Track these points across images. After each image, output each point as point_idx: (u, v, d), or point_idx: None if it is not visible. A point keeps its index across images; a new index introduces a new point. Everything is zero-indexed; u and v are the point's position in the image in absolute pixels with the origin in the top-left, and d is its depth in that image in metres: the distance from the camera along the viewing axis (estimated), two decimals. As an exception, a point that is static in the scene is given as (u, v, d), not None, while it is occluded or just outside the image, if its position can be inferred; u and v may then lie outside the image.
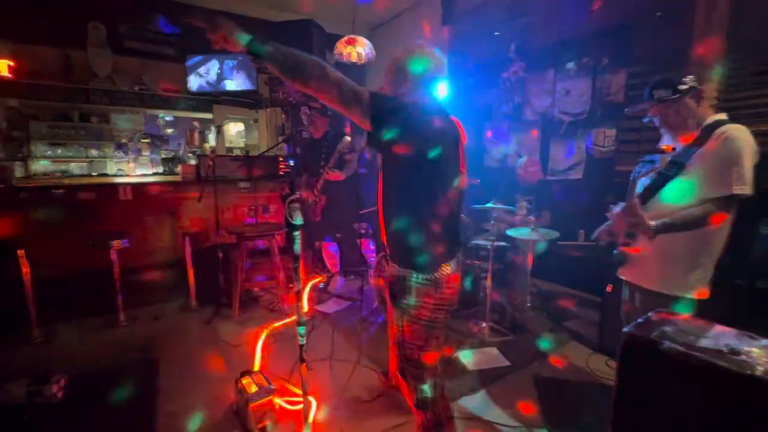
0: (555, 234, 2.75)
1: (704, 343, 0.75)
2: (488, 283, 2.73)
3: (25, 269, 2.58)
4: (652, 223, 1.34)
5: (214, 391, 2.10)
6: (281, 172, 3.94)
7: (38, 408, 1.88)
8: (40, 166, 4.94)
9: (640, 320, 0.85)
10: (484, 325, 2.74)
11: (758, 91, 2.53)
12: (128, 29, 5.13)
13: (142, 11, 5.08)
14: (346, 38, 4.02)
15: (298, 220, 1.05)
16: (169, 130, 6.19)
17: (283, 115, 5.22)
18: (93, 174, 5.25)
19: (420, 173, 1.14)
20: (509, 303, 3.01)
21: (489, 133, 4.47)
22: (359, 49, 3.97)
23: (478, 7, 4.65)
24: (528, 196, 3.20)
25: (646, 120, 1.62)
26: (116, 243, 2.85)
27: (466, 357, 2.45)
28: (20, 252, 2.56)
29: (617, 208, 1.49)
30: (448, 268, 1.22)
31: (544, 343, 2.63)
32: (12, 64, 4.43)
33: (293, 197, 1.05)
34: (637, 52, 3.16)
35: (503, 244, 2.97)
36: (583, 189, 3.63)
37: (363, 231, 3.72)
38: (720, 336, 0.77)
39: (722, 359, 0.69)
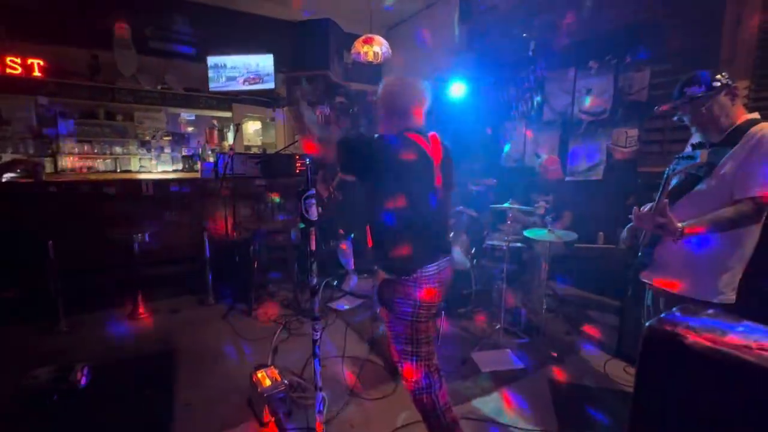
0: (573, 235, 2.70)
1: (731, 338, 0.72)
2: (503, 284, 2.69)
3: (53, 261, 2.68)
4: (680, 224, 1.29)
5: (229, 384, 2.14)
6: (297, 170, 3.98)
7: (63, 394, 1.96)
8: (67, 162, 5.12)
9: (663, 315, 0.82)
10: (498, 326, 2.71)
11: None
12: (152, 30, 5.27)
13: (166, 12, 5.22)
14: (363, 37, 4.03)
15: (314, 216, 1.06)
16: (190, 129, 6.33)
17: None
18: (117, 170, 5.42)
19: (385, 194, 1.31)
20: (524, 305, 2.97)
21: (529, 133, 4.38)
22: (376, 48, 3.97)
23: (496, 6, 4.60)
24: (546, 196, 3.15)
25: (675, 118, 1.57)
26: (137, 237, 2.93)
27: (480, 358, 2.43)
28: (49, 243, 2.67)
29: (644, 209, 1.43)
30: (429, 270, 1.36)
31: (560, 347, 2.58)
32: (42, 63, 4.61)
33: (309, 193, 1.06)
34: (662, 50, 3.07)
35: (519, 245, 2.93)
36: (603, 190, 3.54)
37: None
38: (748, 331, 0.74)
39: (750, 354, 0.66)
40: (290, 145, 4.49)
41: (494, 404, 2.02)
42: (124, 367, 2.30)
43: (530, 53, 4.17)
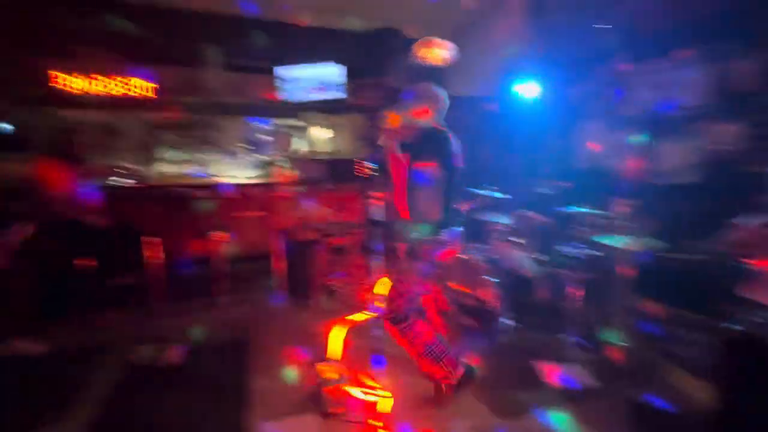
0: (661, 244, 2.42)
1: None
2: (575, 294, 2.50)
3: (153, 254, 3.09)
4: None
5: (296, 375, 2.28)
6: (362, 174, 4.12)
7: (160, 370, 2.25)
8: (165, 168, 5.88)
9: (750, 317, 0.72)
10: (568, 339, 2.52)
11: None
12: (237, 49, 5.85)
13: (248, 32, 5.77)
14: (423, 41, 4.05)
15: (379, 215, 1.10)
16: (266, 137, 6.86)
17: (365, 120, 5.44)
18: (206, 176, 6.07)
19: None
20: (600, 320, 2.72)
21: (591, 144, 4.09)
22: (439, 52, 3.97)
23: (572, -3, 4.31)
24: (628, 199, 2.87)
25: None
26: (220, 235, 3.26)
27: (545, 369, 2.29)
28: (148, 239, 3.09)
29: (756, 219, 1.24)
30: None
31: (643, 369, 2.33)
32: (151, 83, 5.35)
33: (374, 195, 1.10)
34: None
35: (595, 253, 2.70)
36: (700, 194, 3.12)
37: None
38: None
39: None
40: (354, 150, 4.66)
41: (558, 420, 1.89)
42: (210, 351, 2.57)
43: (611, 45, 3.84)
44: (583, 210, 2.57)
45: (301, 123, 6.28)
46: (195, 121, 5.98)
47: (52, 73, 4.95)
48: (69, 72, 5.02)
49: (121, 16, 5.22)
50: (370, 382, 2.11)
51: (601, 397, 2.08)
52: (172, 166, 5.90)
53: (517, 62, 4.86)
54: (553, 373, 2.26)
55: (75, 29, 5.09)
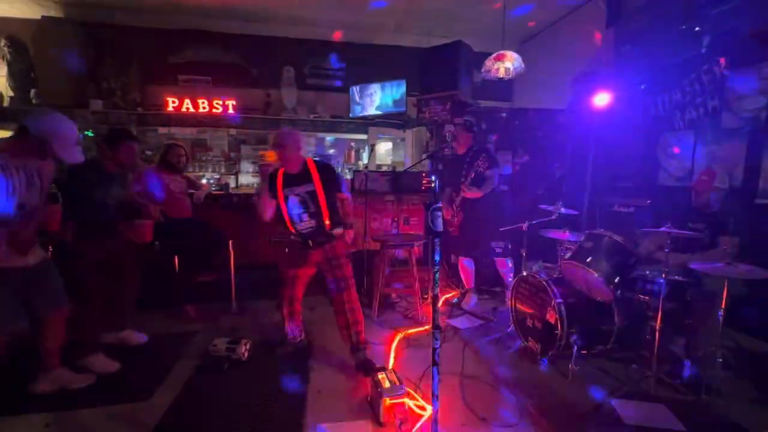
0: (763, 272, 2.09)
1: None
2: (657, 324, 2.25)
3: (231, 255, 3.40)
4: None
5: (353, 380, 2.34)
6: (423, 187, 4.15)
7: (232, 362, 2.45)
8: (245, 179, 6.46)
9: None
10: (649, 374, 2.27)
11: None
12: (310, 69, 6.32)
13: (321, 52, 6.21)
14: (494, 55, 4.01)
15: (439, 226, 1.12)
16: (332, 150, 7.24)
17: (428, 134, 5.49)
18: (277, 186, 6.57)
19: None
20: (689, 355, 2.41)
21: (676, 149, 3.72)
22: (507, 64, 3.90)
23: (653, 1, 4.00)
24: (700, 221, 2.54)
25: None
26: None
27: (622, 407, 2.07)
28: (229, 243, 3.41)
29: None
30: None
31: (742, 415, 2.01)
32: (234, 103, 5.97)
33: (435, 206, 1.13)
34: None
35: (681, 278, 2.42)
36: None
37: (499, 250, 3.56)
38: None
39: None
40: (417, 163, 4.72)
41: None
42: (273, 348, 2.74)
43: (703, 49, 3.47)
44: (668, 231, 2.31)
45: (367, 137, 6.52)
46: (271, 137, 6.53)
47: (166, 98, 5.78)
48: (175, 96, 5.81)
49: (215, 45, 5.96)
50: (420, 400, 2.10)
51: (687, 444, 1.84)
52: (249, 176, 6.47)
53: (591, 71, 4.59)
54: (631, 411, 2.05)
55: (181, 61, 5.93)
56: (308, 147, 6.77)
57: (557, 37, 5.58)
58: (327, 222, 2.47)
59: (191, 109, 5.84)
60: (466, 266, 3.62)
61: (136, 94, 5.81)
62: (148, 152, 5.67)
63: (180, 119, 5.92)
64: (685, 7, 3.66)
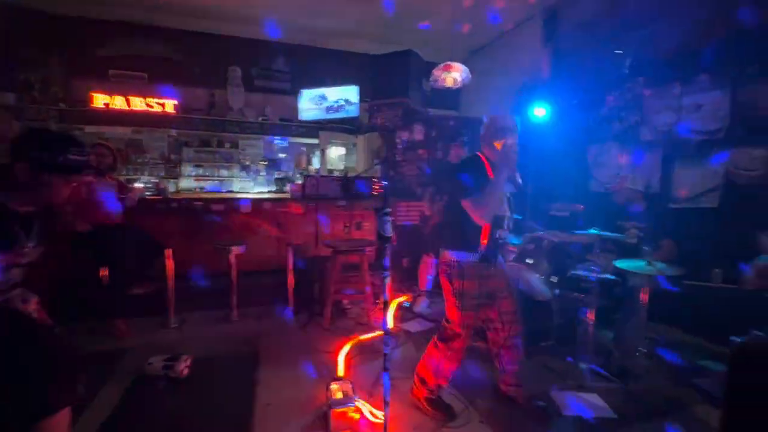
0: (678, 270, 2.35)
1: None
2: (590, 319, 2.44)
3: (170, 265, 3.16)
4: None
5: (303, 392, 2.26)
6: (375, 192, 4.16)
7: (170, 380, 2.26)
8: (186, 183, 6.06)
9: (757, 332, 0.70)
10: (584, 366, 2.44)
11: None
12: (258, 70, 6.10)
13: (269, 54, 6.03)
14: (442, 65, 4.16)
15: (389, 231, 1.11)
16: (282, 155, 7.04)
17: (380, 140, 5.53)
18: (223, 191, 6.24)
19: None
20: (617, 346, 2.64)
21: (621, 157, 4.07)
22: (455, 75, 4.06)
23: (584, 23, 4.39)
24: (640, 223, 2.82)
25: None
26: (235, 249, 3.31)
27: (561, 398, 2.21)
28: (168, 252, 3.16)
29: None
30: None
31: (663, 400, 2.23)
32: (174, 102, 5.59)
33: (386, 210, 1.12)
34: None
35: (611, 277, 2.64)
36: (720, 220, 3.05)
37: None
38: None
39: None
40: (369, 169, 4.73)
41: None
42: (217, 363, 2.58)
43: (626, 70, 3.86)
44: (598, 233, 2.53)
45: (318, 141, 6.43)
46: (218, 139, 6.19)
47: (92, 94, 5.25)
48: (105, 92, 5.31)
49: (153, 40, 5.55)
50: (374, 410, 2.08)
51: (619, 430, 1.99)
52: (191, 180, 6.09)
53: (531, 85, 4.91)
54: (569, 402, 2.18)
55: (112, 54, 5.43)
56: (257, 150, 6.52)
57: (501, 51, 5.92)
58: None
59: (124, 107, 5.38)
60: (429, 265, 3.67)
61: (57, 87, 5.23)
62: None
63: (111, 117, 5.42)
64: (610, 30, 4.05)
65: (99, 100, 5.28)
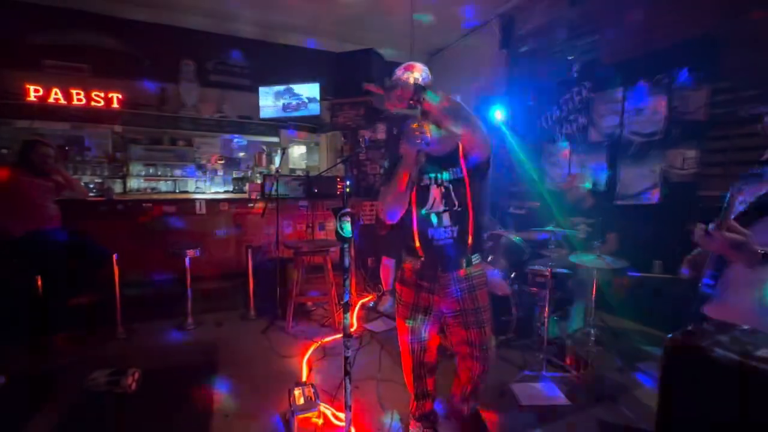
0: (623, 263, 2.52)
1: (763, 353, 0.64)
2: (546, 312, 2.55)
3: (116, 272, 2.93)
4: (759, 248, 1.13)
5: (265, 400, 2.18)
6: (338, 191, 4.11)
7: (115, 396, 2.10)
8: (135, 183, 5.67)
9: (689, 328, 0.76)
10: (540, 357, 2.55)
11: None
12: (213, 65, 5.83)
13: (226, 49, 5.77)
14: (404, 65, 4.17)
15: (348, 232, 1.09)
16: (241, 153, 6.79)
17: (343, 139, 5.48)
18: (176, 191, 5.90)
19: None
20: (570, 336, 2.78)
21: (572, 157, 4.28)
22: (416, 75, 4.07)
23: (538, 29, 4.59)
24: (590, 219, 2.99)
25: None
26: (190, 252, 3.14)
27: (520, 390, 2.29)
28: (113, 256, 2.94)
29: (711, 226, 1.25)
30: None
31: (611, 384, 2.38)
32: (120, 96, 5.21)
33: (344, 211, 1.10)
34: (722, 67, 2.88)
35: (564, 271, 2.78)
36: (659, 215, 3.30)
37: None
38: None
39: None
40: (331, 167, 4.66)
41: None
42: (171, 375, 2.43)
43: (574, 74, 4.08)
44: (552, 229, 2.66)
45: (279, 140, 6.25)
46: (171, 136, 5.84)
47: (26, 85, 4.77)
48: (40, 84, 4.83)
49: (95, 29, 5.13)
50: (337, 413, 2.05)
51: (572, 416, 2.09)
52: (140, 180, 5.71)
53: (490, 86, 5.07)
54: (527, 393, 2.27)
55: (47, 43, 4.96)
56: (214, 148, 6.23)
57: (462, 52, 6.05)
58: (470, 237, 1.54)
59: (62, 101, 4.93)
60: (387, 266, 3.67)
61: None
62: (3, 150, 4.64)
63: (47, 112, 4.95)
64: (561, 37, 4.27)
65: (31, 92, 4.80)
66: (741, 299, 1.32)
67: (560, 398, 2.23)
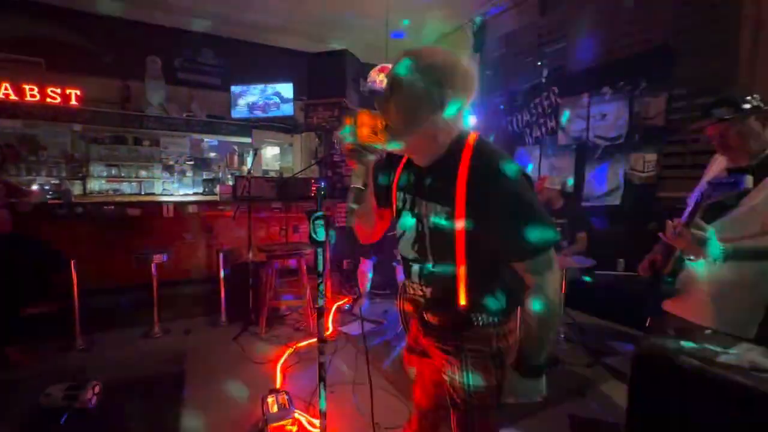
0: (590, 262, 2.62)
1: (725, 358, 0.68)
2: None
3: (74, 279, 2.76)
4: (722, 244, 1.23)
5: (237, 408, 2.11)
6: (312, 193, 4.06)
7: (74, 412, 1.97)
8: (96, 184, 5.38)
9: (655, 336, 0.79)
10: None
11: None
12: (182, 62, 5.62)
13: (195, 46, 5.58)
14: (378, 67, 4.17)
15: (321, 236, 1.07)
16: (212, 154, 6.58)
17: (317, 140, 5.42)
18: (142, 193, 5.65)
19: None
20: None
21: (542, 159, 4.41)
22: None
23: (509, 35, 4.72)
24: (559, 220, 3.10)
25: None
26: (156, 257, 3.01)
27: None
28: (72, 262, 2.76)
29: (677, 223, 1.35)
30: None
31: (581, 380, 2.46)
32: (79, 93, 4.93)
33: (317, 214, 1.08)
34: (678, 75, 3.06)
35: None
36: (622, 216, 3.46)
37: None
38: (745, 352, 0.70)
39: (743, 376, 0.63)
40: (306, 168, 4.60)
41: (509, 439, 1.92)
42: (135, 387, 2.31)
43: (543, 80, 4.21)
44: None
45: (252, 140, 6.10)
46: (135, 136, 5.58)
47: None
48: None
49: (51, 21, 4.84)
50: (312, 420, 2.01)
51: (544, 412, 2.15)
52: (102, 182, 5.43)
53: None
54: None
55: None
56: (182, 149, 6.00)
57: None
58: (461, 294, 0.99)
59: (12, 96, 4.61)
60: (364, 270, 3.66)
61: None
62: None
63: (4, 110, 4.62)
64: (530, 43, 4.40)
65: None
66: (698, 295, 1.40)
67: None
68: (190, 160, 6.06)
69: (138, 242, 3.38)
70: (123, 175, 5.59)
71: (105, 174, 5.45)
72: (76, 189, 5.06)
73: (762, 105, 1.34)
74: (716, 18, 2.82)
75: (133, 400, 2.17)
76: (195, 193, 5.88)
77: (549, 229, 0.87)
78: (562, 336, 2.80)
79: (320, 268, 1.18)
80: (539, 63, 4.28)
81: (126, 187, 5.66)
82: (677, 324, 1.51)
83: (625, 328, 3.24)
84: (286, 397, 1.90)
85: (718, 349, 0.72)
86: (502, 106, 4.71)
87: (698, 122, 1.46)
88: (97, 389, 2.07)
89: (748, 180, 1.16)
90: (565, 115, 3.95)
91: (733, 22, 2.69)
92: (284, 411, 1.80)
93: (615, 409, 2.18)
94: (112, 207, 3.56)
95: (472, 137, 0.94)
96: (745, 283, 1.31)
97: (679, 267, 1.44)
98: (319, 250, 1.14)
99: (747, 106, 1.32)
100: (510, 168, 0.87)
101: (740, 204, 1.31)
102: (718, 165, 1.52)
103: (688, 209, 1.34)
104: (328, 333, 3.08)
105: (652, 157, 3.26)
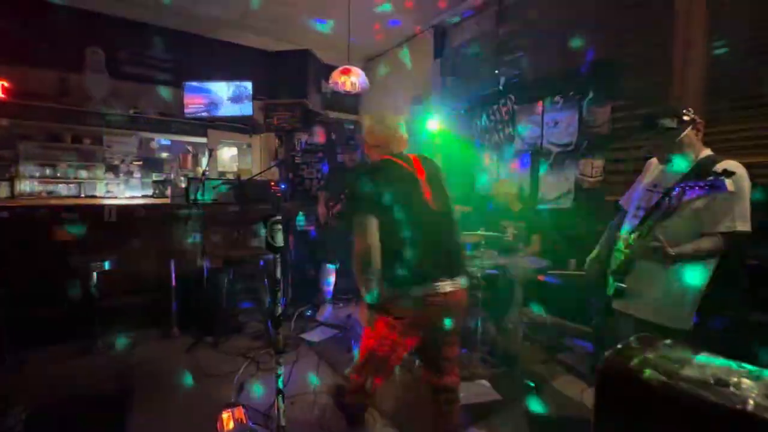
0: (544, 262, 2.74)
1: (689, 372, 0.72)
2: (479, 311, 2.67)
3: (-2, 292, 2.47)
4: (671, 250, 1.38)
5: (189, 428, 1.98)
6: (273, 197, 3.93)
7: (-5, 444, 1.75)
8: (27, 186, 4.87)
9: (619, 346, 0.82)
10: (474, 355, 2.66)
11: (736, 125, 2.60)
12: (127, 54, 5.23)
13: (143, 38, 5.22)
14: (341, 68, 4.13)
15: (280, 241, 1.02)
16: (163, 154, 6.19)
17: (277, 141, 5.27)
18: (81, 195, 5.19)
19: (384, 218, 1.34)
20: (500, 333, 2.94)
21: (500, 164, 4.54)
22: (353, 79, 4.07)
23: (469, 43, 4.85)
24: (517, 222, 3.21)
25: (643, 149, 1.70)
26: (96, 266, 2.76)
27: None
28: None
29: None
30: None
31: (537, 376, 2.56)
32: (6, 84, 4.45)
33: (275, 219, 1.02)
34: (621, 87, 3.28)
35: (494, 271, 2.94)
36: (573, 218, 3.65)
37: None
38: (706, 365, 0.74)
39: (709, 391, 0.66)
40: (265, 170, 4.45)
41: (471, 439, 1.94)
42: (72, 409, 2.09)
43: (500, 87, 4.37)
44: (482, 233, 2.80)
45: (207, 141, 5.81)
46: (74, 133, 5.11)
47: None
48: None
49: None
50: None
51: (504, 410, 2.20)
52: (34, 183, 4.92)
53: (425, 94, 5.23)
54: (462, 392, 2.34)
55: None
56: (129, 148, 5.59)
57: (398, 59, 6.18)
58: None
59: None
60: (328, 273, 3.59)
61: None
62: None
63: None
64: (489, 50, 4.55)
65: None
66: (649, 294, 1.50)
67: (493, 394, 2.34)
68: (138, 161, 5.66)
69: (75, 249, 3.08)
70: (59, 175, 5.10)
71: (38, 174, 4.95)
72: (2, 191, 4.56)
73: (696, 118, 1.50)
74: (653, 35, 3.07)
75: (69, 425, 1.96)
76: (143, 196, 5.49)
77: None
78: (521, 334, 2.90)
79: (278, 274, 1.13)
80: (497, 71, 4.44)
81: (62, 189, 5.17)
82: (628, 323, 1.61)
83: (579, 325, 3.41)
84: (243, 411, 1.80)
85: (682, 362, 0.76)
86: (463, 111, 4.82)
87: (645, 131, 1.58)
88: (23, 415, 1.85)
89: (729, 183, 1.27)
90: (521, 124, 4.12)
91: (668, 41, 2.93)
92: (241, 426, 1.70)
93: (569, 403, 2.29)
94: (45, 210, 3.22)
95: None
96: (683, 281, 1.42)
97: (629, 267, 1.53)
98: (277, 256, 1.09)
99: (686, 117, 1.47)
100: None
101: (682, 207, 1.43)
102: (654, 170, 1.65)
103: (633, 210, 1.46)
104: (288, 341, 2.98)
105: (599, 162, 3.47)
